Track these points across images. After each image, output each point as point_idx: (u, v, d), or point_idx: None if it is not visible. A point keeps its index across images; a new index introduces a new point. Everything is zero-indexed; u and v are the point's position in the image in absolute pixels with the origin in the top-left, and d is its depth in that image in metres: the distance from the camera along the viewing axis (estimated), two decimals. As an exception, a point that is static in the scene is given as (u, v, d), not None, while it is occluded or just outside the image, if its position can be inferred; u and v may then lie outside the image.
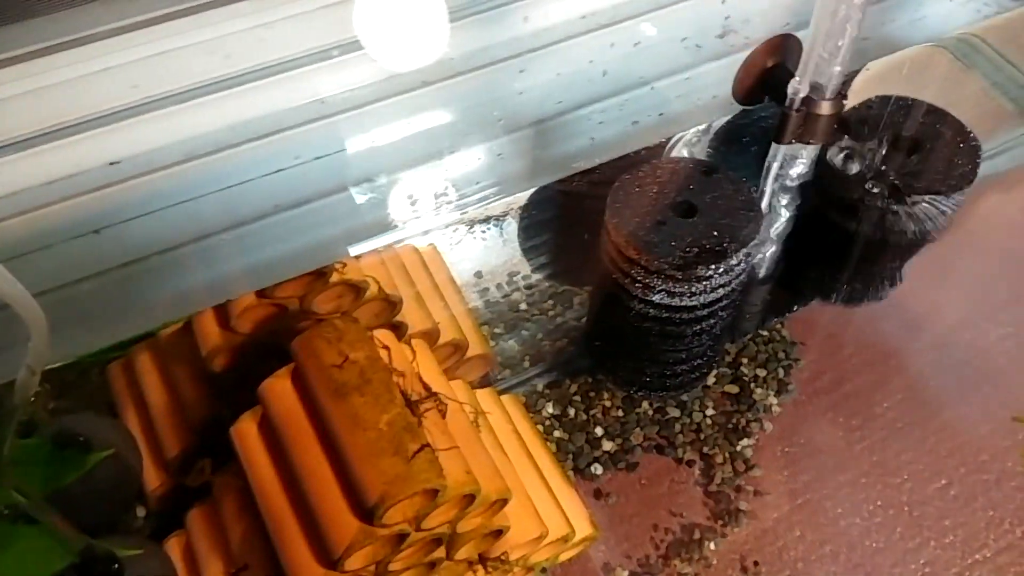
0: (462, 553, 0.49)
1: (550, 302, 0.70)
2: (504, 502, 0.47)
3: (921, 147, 0.56)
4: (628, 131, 0.78)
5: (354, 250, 0.55)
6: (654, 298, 0.51)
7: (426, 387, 0.47)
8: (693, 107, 0.78)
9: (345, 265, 0.53)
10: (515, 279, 0.72)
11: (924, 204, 0.55)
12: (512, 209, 0.74)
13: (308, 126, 0.71)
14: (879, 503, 0.59)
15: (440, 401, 0.47)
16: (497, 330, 0.69)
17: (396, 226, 0.63)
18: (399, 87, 0.75)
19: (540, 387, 0.65)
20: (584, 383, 0.65)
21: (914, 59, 0.49)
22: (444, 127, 0.73)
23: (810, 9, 0.48)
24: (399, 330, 0.54)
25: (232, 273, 0.52)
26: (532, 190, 0.70)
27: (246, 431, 0.48)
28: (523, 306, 0.71)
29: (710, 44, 0.86)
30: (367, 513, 0.42)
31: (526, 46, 0.82)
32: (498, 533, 0.49)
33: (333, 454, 0.44)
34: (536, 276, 0.72)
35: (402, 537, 0.44)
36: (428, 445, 0.43)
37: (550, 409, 0.64)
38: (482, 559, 0.51)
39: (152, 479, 0.57)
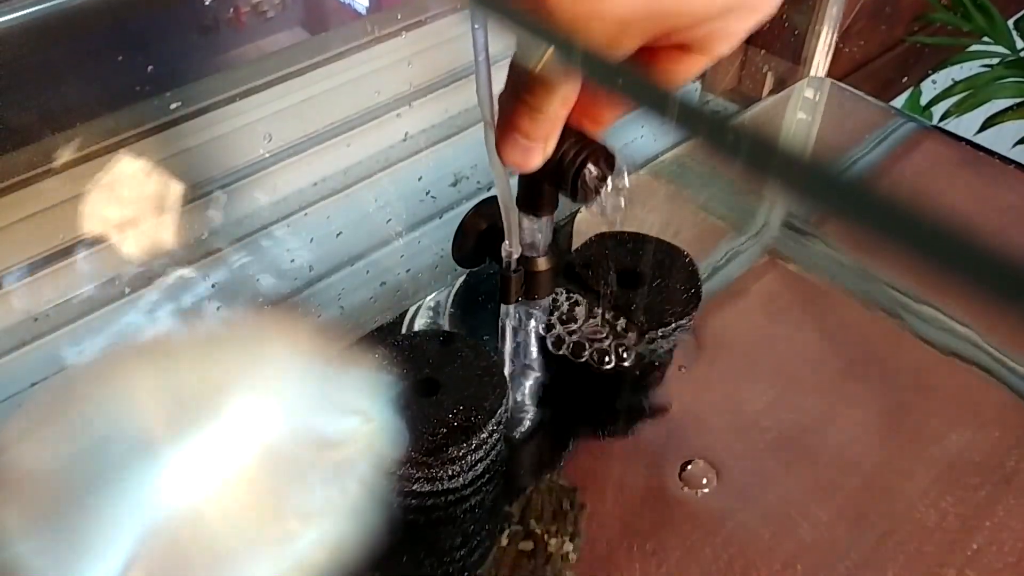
0: None
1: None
2: None
3: (643, 280, 0.58)
4: (377, 293, 0.76)
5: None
6: (414, 488, 0.47)
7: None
8: (434, 265, 0.78)
9: None
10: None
11: (657, 337, 0.57)
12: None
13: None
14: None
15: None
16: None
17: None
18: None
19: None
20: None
21: (631, 186, 0.52)
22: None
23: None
24: None
25: None
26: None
27: None
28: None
29: (444, 193, 0.87)
30: None
31: (252, 225, 0.79)
32: None
33: None
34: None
35: None
36: None
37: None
38: None
39: None
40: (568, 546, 0.62)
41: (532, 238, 0.49)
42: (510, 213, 0.46)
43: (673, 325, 0.56)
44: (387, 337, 0.53)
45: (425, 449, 0.46)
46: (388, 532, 0.54)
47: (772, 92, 0.94)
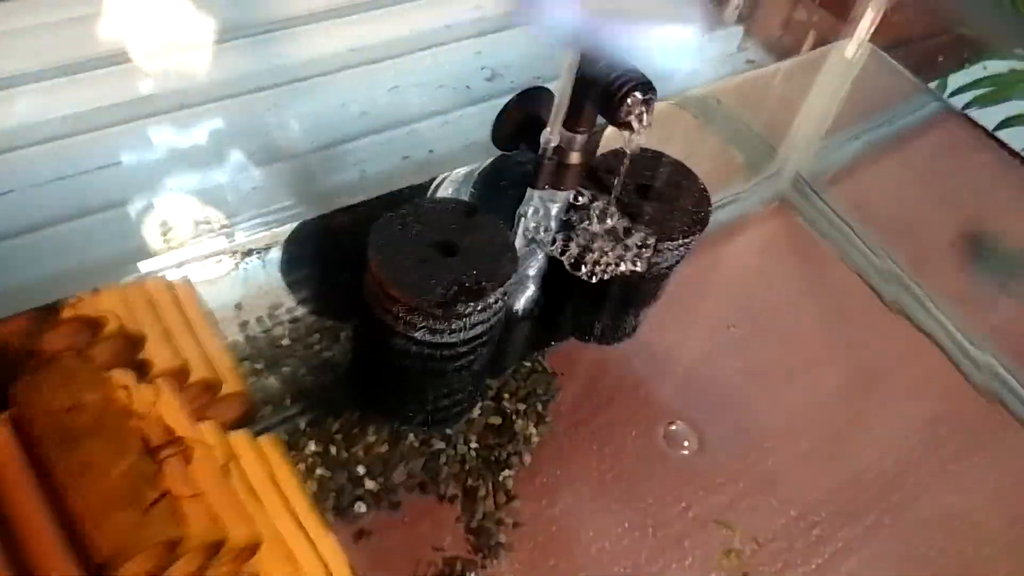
0: (210, 606, 0.46)
1: (315, 336, 0.69)
2: (255, 548, 0.45)
3: (659, 195, 0.61)
4: (399, 166, 0.79)
5: (93, 283, 0.51)
6: (416, 335, 0.51)
7: (169, 431, 0.44)
8: (460, 147, 0.80)
9: (80, 299, 0.49)
10: (277, 313, 0.70)
11: (662, 249, 0.60)
12: (276, 242, 0.71)
13: (47, 144, 0.66)
14: (626, 526, 0.62)
15: (184, 446, 0.44)
16: (258, 366, 0.66)
17: (144, 257, 0.60)
18: (154, 108, 0.71)
19: (302, 425, 0.63)
20: (348, 420, 0.64)
21: (658, 115, 0.54)
22: (200, 153, 0.70)
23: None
24: (142, 369, 0.50)
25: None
26: (296, 223, 0.69)
27: (-47, 486, 0.43)
28: (285, 341, 0.68)
29: (479, 86, 0.89)
30: (96, 572, 0.38)
31: (291, 76, 0.82)
32: (250, 582, 0.47)
33: (59, 510, 0.40)
34: (300, 310, 0.70)
35: (138, 595, 0.40)
36: (168, 493, 0.40)
37: (312, 447, 0.62)
38: (231, 611, 0.49)
39: None
40: (532, 430, 0.67)
41: (569, 141, 0.52)
42: (563, 103, 0.48)
43: (679, 241, 0.59)
44: (415, 198, 0.56)
45: (435, 302, 0.49)
46: (382, 369, 0.58)
47: (813, 47, 0.95)
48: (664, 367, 0.72)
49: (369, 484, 0.62)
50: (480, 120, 0.81)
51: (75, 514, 0.39)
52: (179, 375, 0.53)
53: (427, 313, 0.50)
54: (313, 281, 0.69)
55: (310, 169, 0.76)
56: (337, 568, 0.53)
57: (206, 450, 0.46)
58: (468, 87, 0.84)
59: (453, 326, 0.51)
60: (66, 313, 0.47)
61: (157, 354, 0.52)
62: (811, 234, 0.84)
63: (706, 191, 0.62)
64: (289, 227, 0.70)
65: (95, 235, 0.61)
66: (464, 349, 0.53)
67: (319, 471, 0.62)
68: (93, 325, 0.49)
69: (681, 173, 0.63)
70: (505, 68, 0.87)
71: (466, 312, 0.50)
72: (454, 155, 0.77)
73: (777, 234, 0.84)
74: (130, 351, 0.50)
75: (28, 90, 0.64)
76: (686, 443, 0.68)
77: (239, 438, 0.55)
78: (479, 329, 0.52)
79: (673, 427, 0.68)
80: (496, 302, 0.52)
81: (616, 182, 0.55)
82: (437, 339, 0.51)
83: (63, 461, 0.40)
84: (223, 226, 0.68)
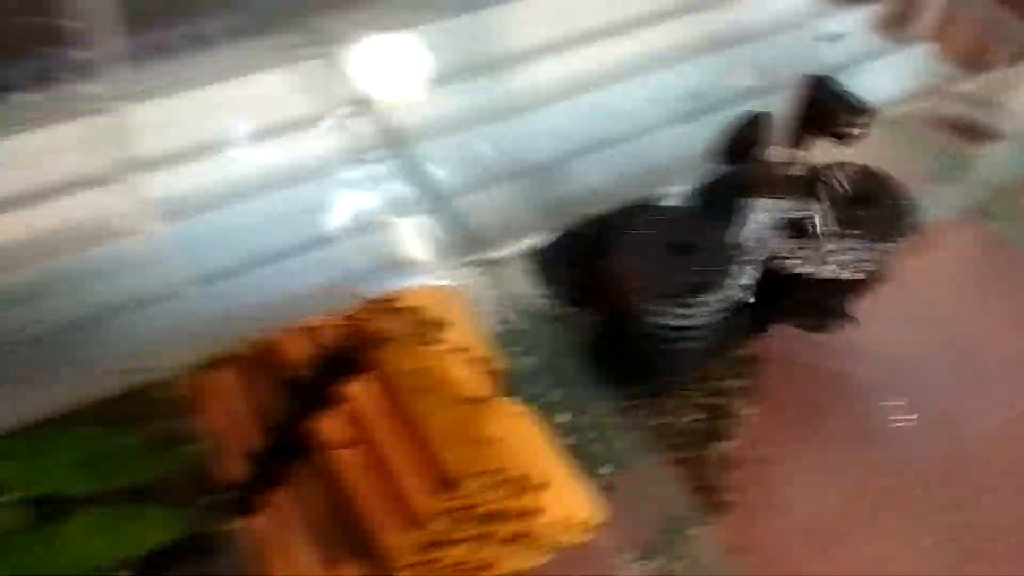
0: (506, 530, 0.59)
1: (559, 326, 0.82)
2: (545, 485, 0.58)
3: (867, 203, 0.70)
4: (618, 181, 0.91)
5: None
6: (657, 320, 0.63)
7: (479, 390, 0.58)
8: (673, 163, 0.91)
9: (402, 294, 0.64)
10: (525, 306, 0.84)
11: (870, 249, 0.68)
12: (519, 249, 0.86)
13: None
14: (837, 499, 0.71)
15: (491, 402, 0.58)
16: (513, 351, 0.80)
17: (427, 263, 0.75)
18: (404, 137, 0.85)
19: (554, 399, 0.77)
20: (591, 396, 0.76)
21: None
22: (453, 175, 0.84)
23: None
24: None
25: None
26: (544, 232, 0.82)
27: (329, 426, 0.58)
28: (534, 330, 0.82)
29: (689, 107, 1.00)
30: (447, 486, 0.52)
31: (523, 102, 0.95)
32: (536, 513, 0.60)
33: (413, 441, 0.54)
34: (545, 303, 0.83)
35: (466, 510, 0.54)
36: (492, 435, 0.54)
37: (559, 418, 0.75)
38: (518, 537, 0.62)
39: (230, 471, 0.66)
40: (743, 410, 0.76)
41: (788, 154, 0.62)
42: (787, 120, 0.59)
43: (887, 245, 0.67)
44: (650, 205, 0.67)
45: (677, 291, 0.61)
46: (625, 350, 0.70)
47: (1010, 63, 0.99)
48: (870, 357, 0.80)
49: (612, 448, 0.74)
50: (689, 138, 0.91)
51: (428, 444, 0.53)
52: (466, 351, 0.68)
53: (670, 301, 0.61)
54: (558, 280, 0.82)
55: (541, 185, 0.90)
56: (595, 511, 0.66)
57: (501, 406, 0.60)
58: (677, 108, 0.95)
59: (689, 312, 0.62)
60: (396, 304, 0.62)
61: (451, 335, 0.67)
62: (1005, 239, 0.89)
63: (911, 198, 0.70)
64: (528, 239, 0.84)
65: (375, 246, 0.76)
66: (696, 333, 0.64)
67: (569, 437, 0.74)
68: (414, 312, 0.64)
69: (887, 183, 0.71)
70: (712, 89, 0.97)
71: (701, 301, 0.61)
72: (669, 171, 0.88)
73: (974, 239, 0.90)
74: (437, 331, 0.65)
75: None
76: (896, 422, 0.75)
77: (511, 403, 0.68)
78: (709, 317, 0.63)
79: (879, 409, 0.76)
80: (726, 292, 0.62)
81: (830, 191, 0.64)
82: (675, 323, 0.63)
83: (415, 406, 0.55)
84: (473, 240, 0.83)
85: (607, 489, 0.72)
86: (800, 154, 0.62)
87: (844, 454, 0.73)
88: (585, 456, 0.73)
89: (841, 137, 0.58)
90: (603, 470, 0.72)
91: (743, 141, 0.64)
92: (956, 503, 0.70)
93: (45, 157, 0.58)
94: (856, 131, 0.58)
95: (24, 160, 0.61)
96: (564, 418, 0.75)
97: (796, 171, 0.63)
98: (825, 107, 0.58)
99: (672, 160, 0.89)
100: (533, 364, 0.78)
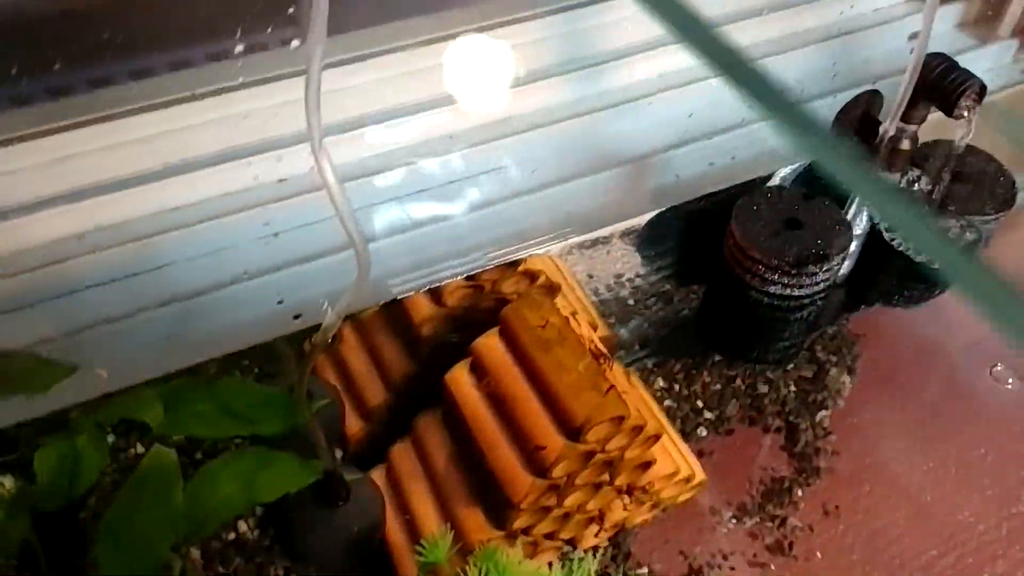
0: (620, 479, 0.63)
1: (652, 299, 0.85)
2: (657, 438, 0.62)
3: (971, 179, 0.72)
4: (707, 171, 0.94)
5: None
6: (771, 289, 0.66)
7: (597, 347, 0.62)
8: (757, 154, 0.93)
9: (523, 261, 0.68)
10: (621, 280, 0.87)
11: (971, 223, 0.70)
12: (614, 234, 0.89)
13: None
14: (931, 465, 0.73)
15: (608, 358, 0.62)
16: (610, 320, 0.84)
17: (527, 241, 0.78)
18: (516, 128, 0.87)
19: (649, 365, 0.80)
20: (685, 364, 0.79)
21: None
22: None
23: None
24: (561, 309, 0.69)
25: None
26: (653, 214, 0.85)
27: (459, 377, 0.63)
28: (630, 302, 0.86)
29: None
30: (573, 432, 0.56)
31: (617, 99, 0.97)
32: (646, 465, 0.64)
33: (540, 390, 0.58)
34: (639, 280, 0.87)
35: (590, 456, 0.58)
36: (614, 386, 0.57)
37: (660, 383, 0.79)
38: (629, 488, 0.66)
39: (352, 425, 0.71)
40: (845, 378, 0.79)
41: (901, 131, 0.64)
42: (904, 99, 0.61)
43: (990, 217, 0.69)
44: (758, 188, 0.70)
45: (791, 263, 0.63)
46: (736, 318, 0.73)
47: None
48: (957, 333, 0.82)
49: (708, 415, 0.77)
50: (767, 133, 0.93)
51: (556, 394, 0.57)
52: (579, 314, 0.71)
53: (783, 271, 0.64)
54: (664, 257, 0.86)
55: (634, 175, 0.93)
56: (696, 469, 0.69)
57: (615, 365, 0.63)
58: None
59: (801, 283, 0.65)
60: (518, 268, 0.66)
61: (563, 301, 0.71)
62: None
63: (1012, 177, 0.72)
64: (621, 224, 0.87)
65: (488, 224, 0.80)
66: (806, 302, 0.67)
67: (666, 402, 0.78)
68: (531, 277, 0.67)
69: (990, 162, 0.73)
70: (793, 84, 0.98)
71: (813, 271, 0.64)
72: (752, 161, 0.90)
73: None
74: (552, 296, 0.69)
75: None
76: (997, 389, 0.77)
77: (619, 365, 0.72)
78: (820, 287, 0.66)
79: (972, 381, 0.78)
80: (835, 265, 0.65)
81: (942, 167, 0.67)
82: (787, 292, 0.66)
83: (543, 359, 0.58)
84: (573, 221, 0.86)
85: (703, 454, 0.75)
86: (910, 129, 0.64)
87: (938, 424, 0.75)
88: (682, 421, 0.77)
89: (955, 115, 0.61)
90: (700, 433, 0.76)
91: (858, 120, 0.67)
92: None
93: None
94: (969, 109, 0.60)
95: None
96: (660, 384, 0.78)
97: (910, 146, 0.65)
98: (941, 84, 0.60)
99: (755, 152, 0.91)
100: (627, 334, 0.82)
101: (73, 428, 0.60)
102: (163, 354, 0.61)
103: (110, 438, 0.74)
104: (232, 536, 0.70)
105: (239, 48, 0.52)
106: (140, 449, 0.74)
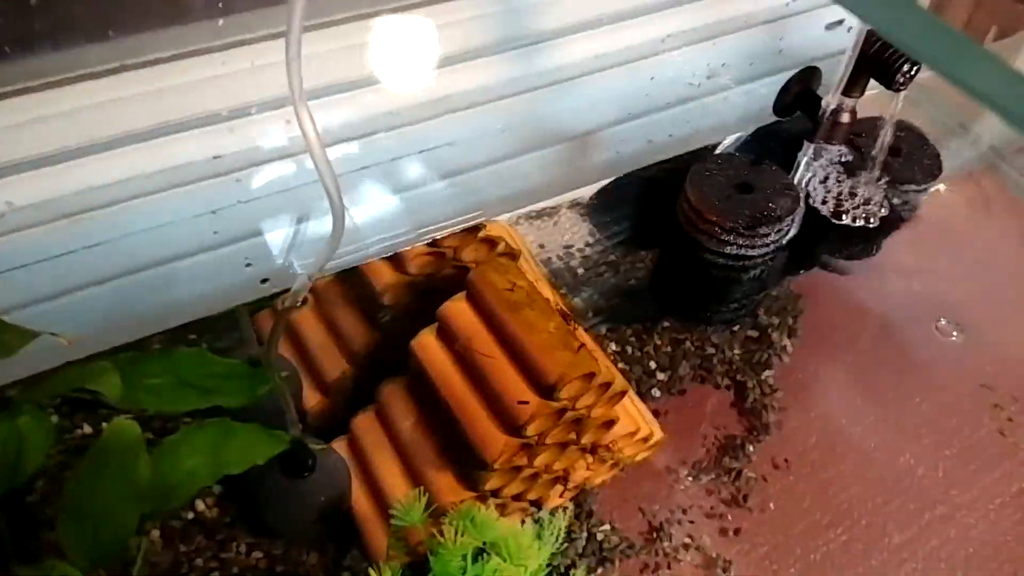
0: (586, 438, 0.64)
1: (602, 267, 0.87)
2: (623, 394, 0.63)
3: (901, 153, 0.76)
4: (645, 148, 0.96)
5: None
6: (726, 250, 0.68)
7: (563, 308, 0.63)
8: (692, 132, 0.95)
9: (481, 227, 0.68)
10: (570, 251, 0.89)
11: (904, 191, 0.75)
12: (561, 205, 0.91)
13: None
14: (873, 417, 0.77)
15: (573, 320, 0.63)
16: (562, 291, 0.85)
17: (483, 210, 0.78)
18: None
19: (603, 331, 0.82)
20: (636, 329, 0.81)
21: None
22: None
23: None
24: (522, 274, 0.69)
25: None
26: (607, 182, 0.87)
27: (426, 343, 0.63)
28: (580, 271, 0.87)
29: (704, 83, 1.04)
30: (547, 390, 0.57)
31: (554, 78, 0.98)
32: (610, 424, 0.65)
33: (511, 351, 0.59)
34: (588, 249, 0.88)
35: (561, 413, 0.59)
36: (584, 344, 0.59)
37: (613, 347, 0.81)
38: (593, 447, 0.67)
39: (310, 399, 0.70)
40: (786, 341, 0.82)
41: (842, 103, 0.67)
42: (846, 73, 0.64)
43: (919, 187, 0.74)
44: (709, 154, 0.73)
45: (745, 223, 0.66)
46: (689, 279, 0.75)
47: (998, 38, 1.04)
48: (896, 294, 0.86)
49: (660, 376, 0.79)
50: (703, 111, 0.96)
51: (528, 353, 0.58)
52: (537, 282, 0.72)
53: (738, 232, 0.67)
54: (614, 224, 0.88)
55: (576, 151, 0.94)
56: (656, 431, 0.71)
57: (579, 326, 0.64)
58: (693, 84, 0.99)
59: (754, 243, 0.67)
60: (478, 235, 0.67)
61: (525, 266, 0.71)
62: (1008, 190, 0.96)
63: (936, 150, 0.76)
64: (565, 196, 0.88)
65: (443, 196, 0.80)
66: (758, 261, 0.69)
67: (620, 365, 0.80)
68: (491, 244, 0.68)
69: (916, 136, 0.77)
70: (724, 67, 1.01)
71: (765, 232, 0.67)
72: (688, 137, 0.92)
73: (984, 189, 0.97)
74: (515, 261, 0.70)
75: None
76: (942, 342, 0.82)
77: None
78: (770, 248, 0.69)
79: (910, 338, 0.83)
80: (785, 227, 0.68)
81: (878, 140, 0.70)
82: (740, 252, 0.68)
83: (512, 321, 0.59)
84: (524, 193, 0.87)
85: (658, 414, 0.77)
86: (850, 103, 0.67)
87: (878, 377, 0.80)
88: (636, 382, 0.79)
89: (894, 87, 0.64)
90: (654, 394, 0.78)
91: (799, 96, 0.70)
92: (983, 418, 0.77)
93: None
94: (905, 82, 0.63)
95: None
96: (612, 348, 0.80)
97: (850, 119, 0.68)
98: (880, 58, 0.63)
99: (690, 131, 0.93)
100: (579, 303, 0.84)
101: (14, 408, 0.57)
102: (116, 326, 0.59)
103: (53, 419, 0.71)
104: (191, 515, 0.68)
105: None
106: (88, 429, 0.71)
